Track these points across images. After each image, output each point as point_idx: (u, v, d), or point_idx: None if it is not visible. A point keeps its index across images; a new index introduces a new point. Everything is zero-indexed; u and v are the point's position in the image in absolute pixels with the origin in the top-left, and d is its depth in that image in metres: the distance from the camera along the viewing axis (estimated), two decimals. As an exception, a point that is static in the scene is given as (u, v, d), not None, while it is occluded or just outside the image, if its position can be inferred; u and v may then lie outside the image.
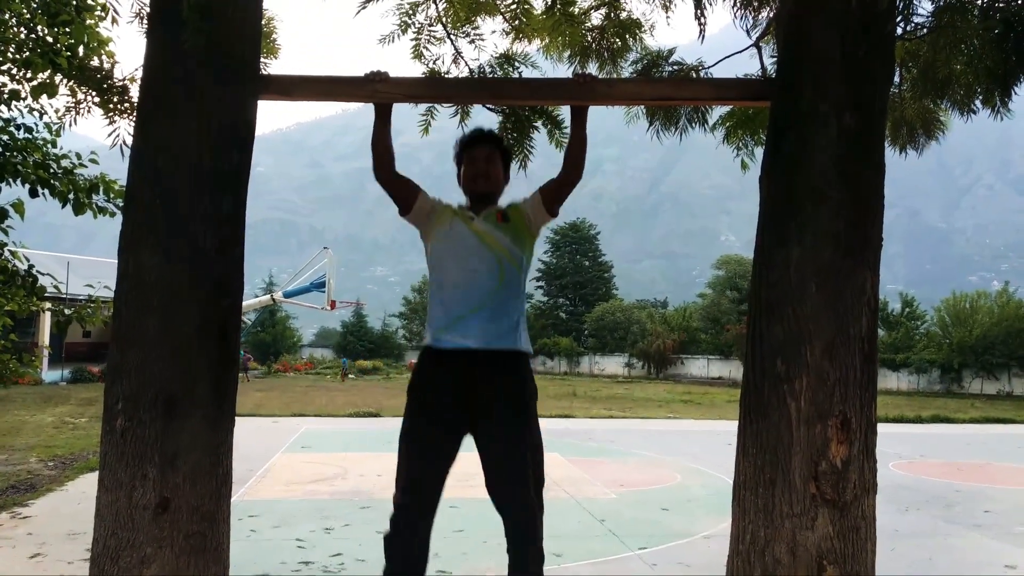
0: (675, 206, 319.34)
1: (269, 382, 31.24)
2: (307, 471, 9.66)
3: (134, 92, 4.06)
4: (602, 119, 3.46)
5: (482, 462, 2.80)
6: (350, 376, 36.59)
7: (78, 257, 34.10)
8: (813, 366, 2.32)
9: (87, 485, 8.24)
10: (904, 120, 4.26)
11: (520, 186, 3.40)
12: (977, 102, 3.76)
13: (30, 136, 5.90)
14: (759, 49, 4.00)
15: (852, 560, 2.30)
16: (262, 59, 3.04)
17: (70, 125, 4.10)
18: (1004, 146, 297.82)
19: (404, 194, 2.95)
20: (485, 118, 3.95)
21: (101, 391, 2.51)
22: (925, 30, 3.65)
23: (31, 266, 6.25)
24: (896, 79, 3.86)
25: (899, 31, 3.49)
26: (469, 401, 2.75)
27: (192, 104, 2.44)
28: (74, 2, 5.25)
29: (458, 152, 3.08)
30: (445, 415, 2.77)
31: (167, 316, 2.35)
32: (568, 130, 3.44)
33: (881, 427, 2.44)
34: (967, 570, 5.90)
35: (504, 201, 3.05)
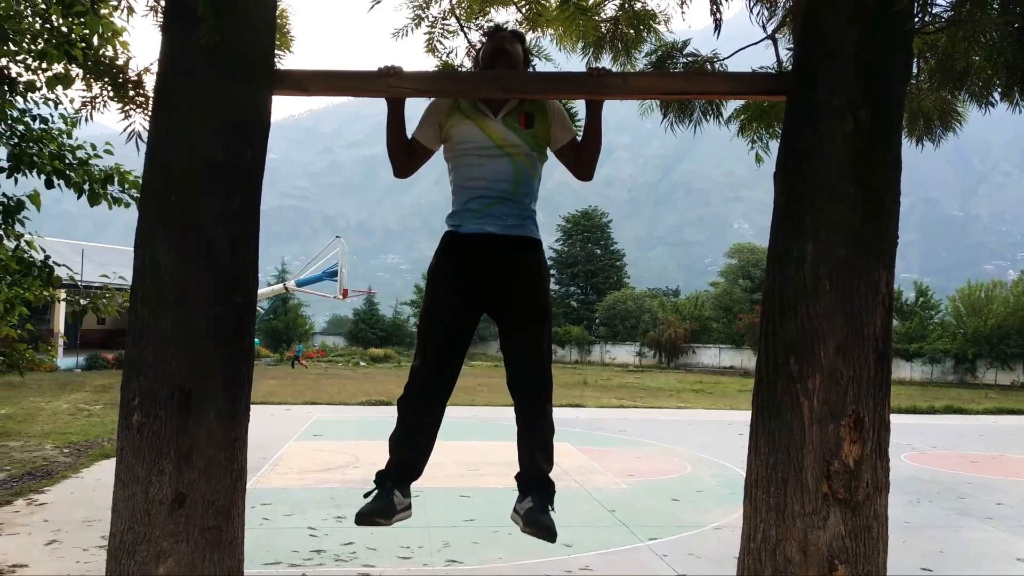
0: (688, 193, 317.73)
1: (281, 370, 31.43)
2: (319, 459, 9.74)
3: (148, 84, 4.07)
4: (615, 107, 3.45)
5: (503, 343, 2.94)
6: (303, 364, 34.49)
7: (93, 245, 34.37)
8: (826, 365, 2.32)
9: (102, 472, 8.34)
10: (921, 111, 4.21)
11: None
12: (995, 95, 3.71)
13: (46, 127, 5.93)
14: (774, 41, 3.96)
15: (863, 559, 2.30)
16: (276, 51, 3.04)
17: (86, 120, 4.12)
18: (1022, 133, 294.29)
19: (424, 155, 3.02)
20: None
21: (116, 378, 2.55)
22: (943, 20, 3.60)
23: (47, 256, 6.30)
24: (913, 70, 3.82)
25: (917, 24, 3.45)
26: (490, 280, 2.87)
27: (207, 100, 2.44)
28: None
29: (480, 46, 3.15)
30: (465, 295, 2.88)
31: (182, 312, 2.36)
32: (581, 122, 3.44)
33: (894, 418, 2.43)
34: (979, 563, 5.89)
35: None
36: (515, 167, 2.89)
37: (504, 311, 2.92)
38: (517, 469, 2.96)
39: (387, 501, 2.80)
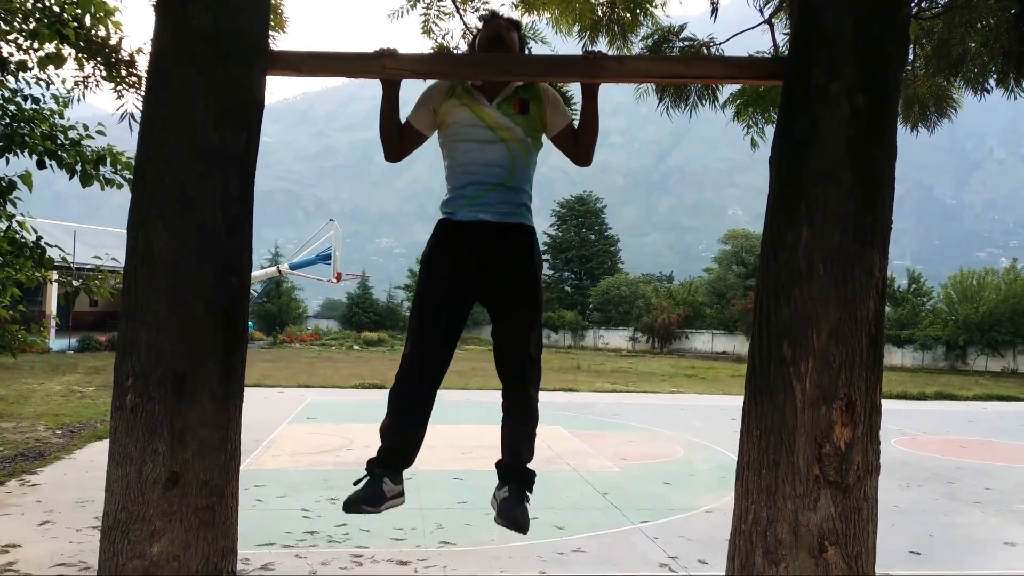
0: (682, 179, 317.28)
1: (275, 353, 31.40)
2: (312, 442, 9.76)
3: (141, 64, 4.05)
4: (611, 91, 3.44)
5: (494, 330, 2.95)
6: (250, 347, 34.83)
7: (85, 226, 34.18)
8: (819, 349, 2.33)
9: (95, 453, 8.34)
10: (916, 98, 4.22)
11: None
12: (991, 81, 3.71)
13: (37, 107, 5.88)
14: (771, 26, 3.95)
15: (854, 541, 2.32)
16: (270, 32, 3.02)
17: (79, 99, 4.09)
18: (1016, 120, 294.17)
19: (416, 140, 3.00)
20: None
21: (108, 360, 2.55)
22: (940, 7, 3.60)
23: (39, 237, 6.27)
24: (909, 56, 3.81)
25: (914, 9, 3.45)
26: (483, 268, 2.87)
27: (200, 81, 2.42)
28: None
29: (476, 33, 3.12)
30: (459, 282, 2.88)
31: (176, 294, 2.36)
32: (577, 106, 3.43)
33: (884, 403, 2.45)
34: (967, 547, 5.96)
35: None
36: (509, 153, 2.88)
37: (496, 299, 2.92)
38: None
39: (376, 489, 2.78)
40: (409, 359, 2.87)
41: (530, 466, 2.96)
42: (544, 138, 3.03)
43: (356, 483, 2.83)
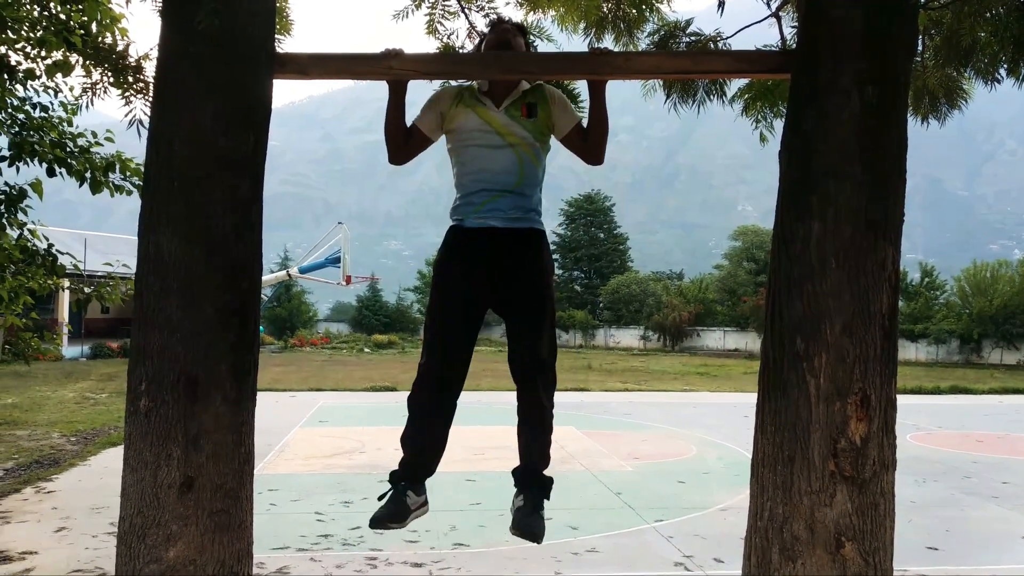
0: (691, 176, 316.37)
1: (286, 357, 31.49)
2: (325, 445, 9.77)
3: (149, 70, 4.05)
4: (618, 88, 3.40)
5: (507, 327, 2.92)
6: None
7: (95, 234, 34.39)
8: (833, 343, 2.31)
9: (109, 460, 8.38)
10: (926, 89, 4.17)
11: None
12: (1002, 71, 3.68)
13: (46, 115, 5.92)
14: (778, 19, 3.92)
15: (870, 536, 2.30)
16: (276, 35, 3.02)
17: (87, 107, 4.11)
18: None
19: (422, 143, 2.99)
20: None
21: (121, 367, 2.57)
22: (949, -3, 3.57)
23: (50, 245, 6.31)
24: (918, 47, 3.78)
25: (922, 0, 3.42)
26: (493, 274, 2.86)
27: (208, 85, 2.43)
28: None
29: (482, 38, 3.13)
30: (470, 288, 2.87)
31: (188, 299, 2.37)
32: (584, 104, 3.41)
33: (899, 398, 2.43)
34: (984, 541, 5.91)
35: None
36: (518, 158, 2.87)
37: (505, 302, 2.90)
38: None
39: (400, 504, 2.81)
40: (426, 368, 2.86)
41: (547, 471, 2.95)
42: (553, 140, 3.01)
43: (380, 499, 2.85)
